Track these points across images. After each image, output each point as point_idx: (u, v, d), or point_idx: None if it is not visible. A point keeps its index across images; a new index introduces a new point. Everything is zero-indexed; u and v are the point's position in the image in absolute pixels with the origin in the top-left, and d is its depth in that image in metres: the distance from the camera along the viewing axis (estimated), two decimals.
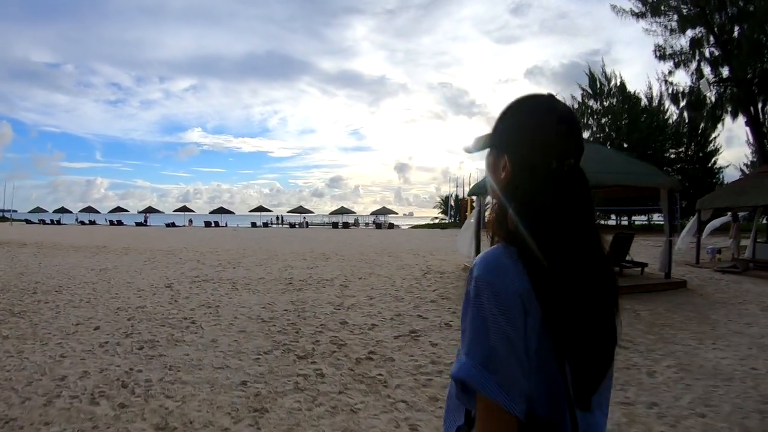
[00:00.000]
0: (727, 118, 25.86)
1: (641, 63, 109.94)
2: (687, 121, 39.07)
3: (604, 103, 44.89)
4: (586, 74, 45.46)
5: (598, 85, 44.90)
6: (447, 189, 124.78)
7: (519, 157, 1.06)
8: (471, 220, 13.73)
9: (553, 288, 0.96)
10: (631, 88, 44.65)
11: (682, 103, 27.55)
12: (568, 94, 45.28)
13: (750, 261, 14.72)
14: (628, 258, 11.94)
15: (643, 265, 11.51)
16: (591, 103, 45.34)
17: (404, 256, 17.28)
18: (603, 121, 44.33)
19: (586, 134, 45.97)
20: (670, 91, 27.55)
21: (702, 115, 27.17)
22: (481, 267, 1.00)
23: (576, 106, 45.66)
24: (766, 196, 14.17)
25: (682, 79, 26.75)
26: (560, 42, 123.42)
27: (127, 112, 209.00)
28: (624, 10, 25.58)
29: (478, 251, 13.59)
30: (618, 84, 44.52)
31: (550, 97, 1.11)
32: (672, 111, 41.18)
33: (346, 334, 6.35)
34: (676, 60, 25.03)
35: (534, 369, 0.96)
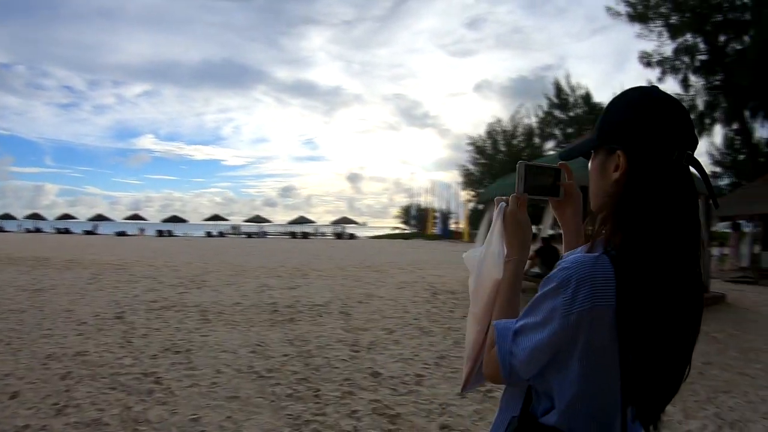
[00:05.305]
0: (716, 128, 25.13)
1: (593, 79, 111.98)
2: None
3: (570, 113, 44.33)
4: (552, 85, 45.11)
5: (563, 96, 44.38)
6: (399, 199, 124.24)
7: (638, 150, 0.95)
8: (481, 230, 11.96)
9: (642, 314, 0.86)
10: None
11: None
12: (516, 107, 45.47)
13: (764, 270, 13.98)
14: None
15: None
16: (557, 113, 44.81)
17: (392, 272, 15.21)
18: (568, 131, 43.67)
19: (550, 144, 45.60)
20: None
21: (694, 123, 26.08)
22: (589, 264, 0.89)
23: (542, 115, 45.76)
24: None
25: (669, 86, 25.66)
26: (514, 56, 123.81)
27: (79, 117, 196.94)
28: (619, 13, 24.30)
29: None
30: (583, 95, 44.09)
31: (655, 87, 1.03)
32: None
33: (389, 395, 4.29)
34: (664, 67, 24.07)
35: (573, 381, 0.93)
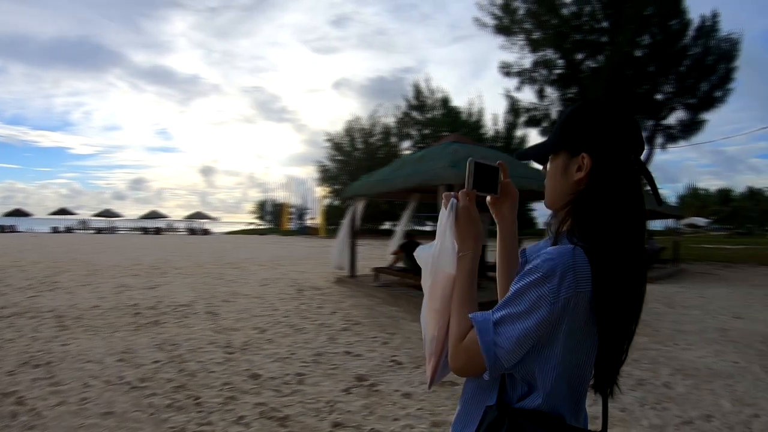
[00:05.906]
0: None
1: (451, 83, 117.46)
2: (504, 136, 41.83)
3: (427, 115, 46.02)
4: (412, 86, 46.48)
5: (422, 98, 45.90)
6: (254, 194, 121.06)
7: (602, 153, 1.09)
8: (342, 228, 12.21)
9: (617, 296, 1.00)
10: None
11: (524, 118, 28.67)
12: (374, 106, 46.29)
13: None
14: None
15: None
16: (415, 114, 46.25)
17: (253, 268, 14.99)
18: (425, 132, 45.28)
19: (407, 143, 47.04)
20: (513, 106, 28.82)
21: (547, 130, 28.10)
22: (569, 255, 1.00)
23: (400, 115, 46.90)
24: None
25: (526, 96, 27.83)
26: (375, 57, 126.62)
27: None
28: (486, 24, 25.88)
29: (352, 261, 12.10)
30: (441, 98, 45.95)
31: (611, 99, 1.16)
32: (489, 127, 44.18)
33: (273, 397, 4.36)
34: (523, 78, 26.09)
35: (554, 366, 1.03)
